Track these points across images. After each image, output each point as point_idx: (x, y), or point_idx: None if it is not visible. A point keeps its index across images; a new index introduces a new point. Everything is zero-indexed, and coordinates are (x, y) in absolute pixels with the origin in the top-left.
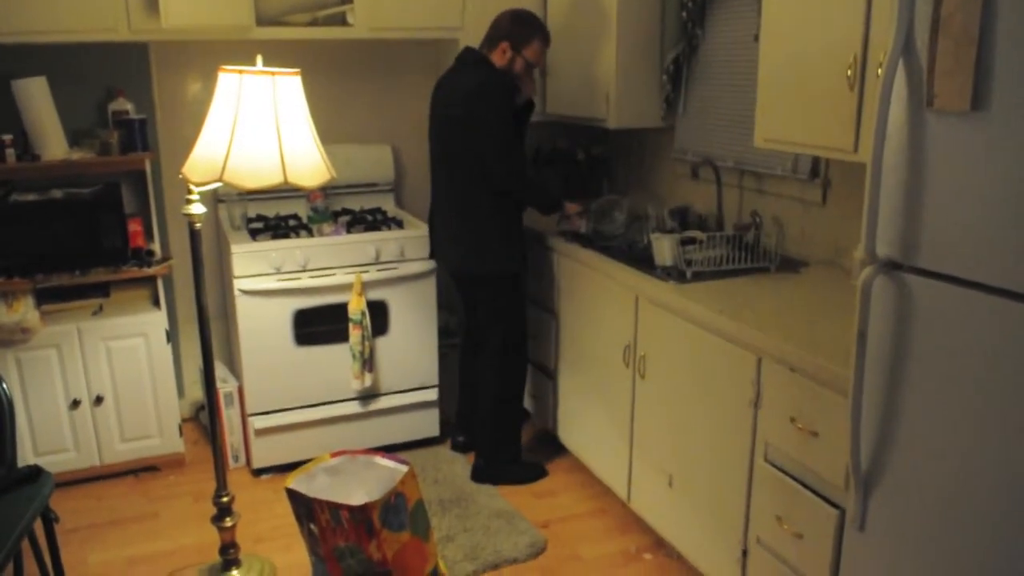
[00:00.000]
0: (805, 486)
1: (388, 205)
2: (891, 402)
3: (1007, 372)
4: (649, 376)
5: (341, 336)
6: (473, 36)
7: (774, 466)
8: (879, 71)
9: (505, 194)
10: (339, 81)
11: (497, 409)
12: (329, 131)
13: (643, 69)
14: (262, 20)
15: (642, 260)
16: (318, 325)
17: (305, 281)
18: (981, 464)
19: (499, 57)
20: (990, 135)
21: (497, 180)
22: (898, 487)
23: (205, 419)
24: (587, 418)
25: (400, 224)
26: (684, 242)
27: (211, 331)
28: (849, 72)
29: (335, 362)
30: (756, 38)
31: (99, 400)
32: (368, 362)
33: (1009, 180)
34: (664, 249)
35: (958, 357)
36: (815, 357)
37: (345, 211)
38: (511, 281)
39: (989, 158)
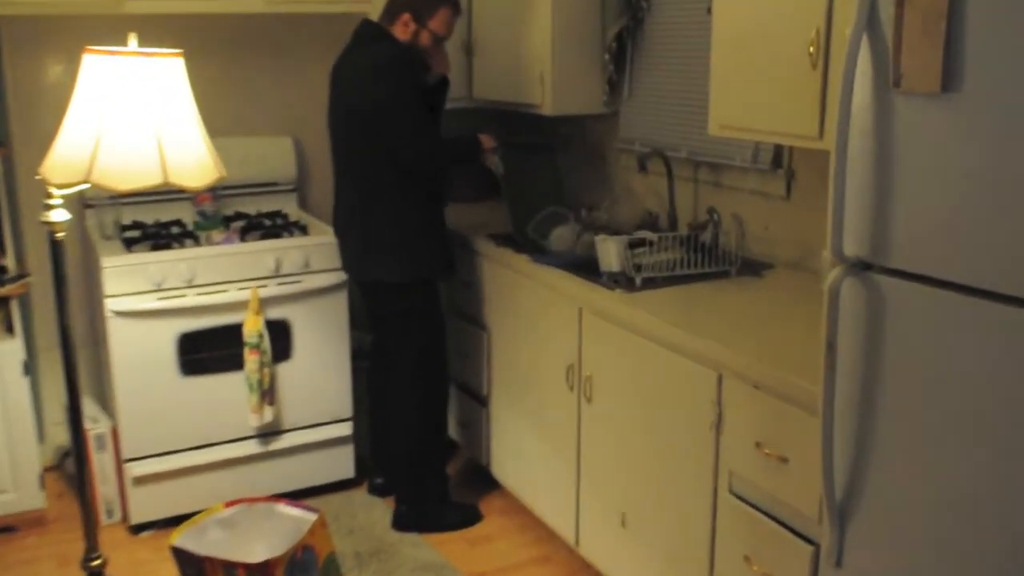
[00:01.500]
0: (775, 520)
1: (290, 208)
2: (866, 420)
3: (992, 381)
4: (596, 400)
5: (235, 363)
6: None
7: (740, 498)
8: (845, 48)
9: (420, 184)
10: (230, 64)
11: (415, 441)
12: (219, 122)
13: (582, 47)
14: None
15: (585, 266)
16: (208, 351)
17: (191, 299)
18: (969, 485)
19: (401, 30)
20: (963, 119)
21: (408, 165)
22: (877, 516)
23: (72, 467)
24: (526, 450)
25: (304, 230)
26: (633, 244)
27: (78, 361)
28: (811, 49)
29: (229, 394)
30: (709, 11)
31: None
32: (268, 393)
33: (985, 169)
34: (610, 253)
35: (937, 366)
36: (781, 372)
37: (239, 215)
38: (426, 289)
39: (963, 144)
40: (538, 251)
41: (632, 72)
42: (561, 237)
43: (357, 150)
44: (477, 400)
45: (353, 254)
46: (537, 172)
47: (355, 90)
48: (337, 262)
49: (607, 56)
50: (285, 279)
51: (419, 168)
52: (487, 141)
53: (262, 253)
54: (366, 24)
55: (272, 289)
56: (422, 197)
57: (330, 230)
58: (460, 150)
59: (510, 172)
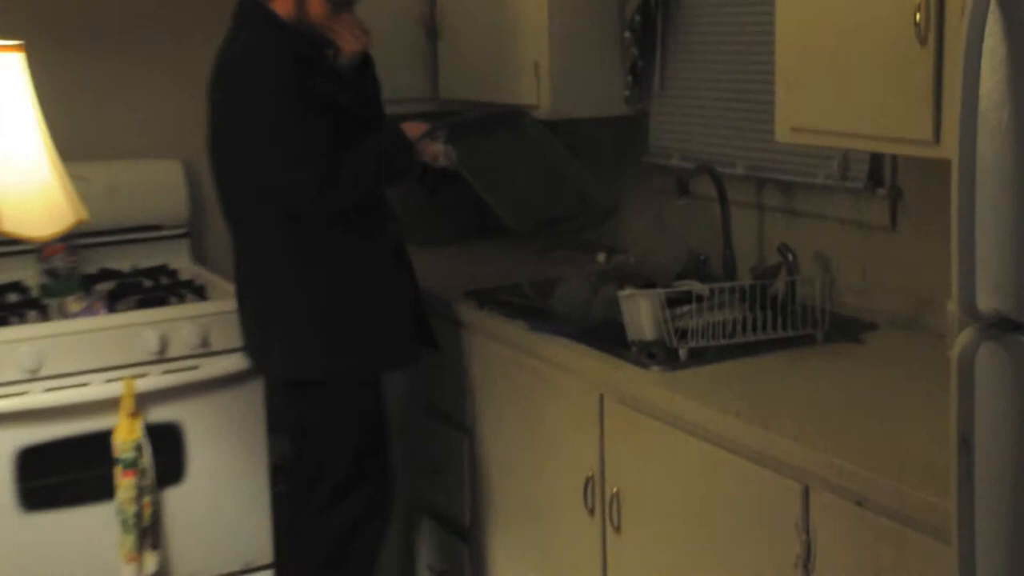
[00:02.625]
0: None
1: (180, 261)
2: (1021, 546)
3: None
4: (627, 527)
5: (102, 490)
6: None
7: None
8: (963, 15)
9: (339, 232)
10: (91, 59)
11: None
12: (76, 141)
13: (593, 24)
14: None
15: (606, 334)
16: (61, 473)
17: (36, 398)
18: None
19: (282, 5)
20: None
21: (290, 209)
22: None
23: None
24: None
25: (200, 292)
26: (673, 301)
27: None
28: (918, 17)
29: (92, 535)
30: None
31: None
32: (150, 533)
33: None
34: (641, 314)
35: None
36: (894, 481)
37: (105, 274)
38: (361, 389)
39: None
40: (537, 314)
41: (664, 57)
42: (570, 293)
43: (231, 190)
44: (456, 533)
45: (247, 336)
46: (511, 154)
47: (211, 102)
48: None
49: (628, 35)
50: (174, 365)
51: (310, 211)
52: (413, 128)
53: (140, 328)
54: (242, 1)
55: (155, 380)
56: (347, 249)
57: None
58: (378, 166)
59: (468, 157)
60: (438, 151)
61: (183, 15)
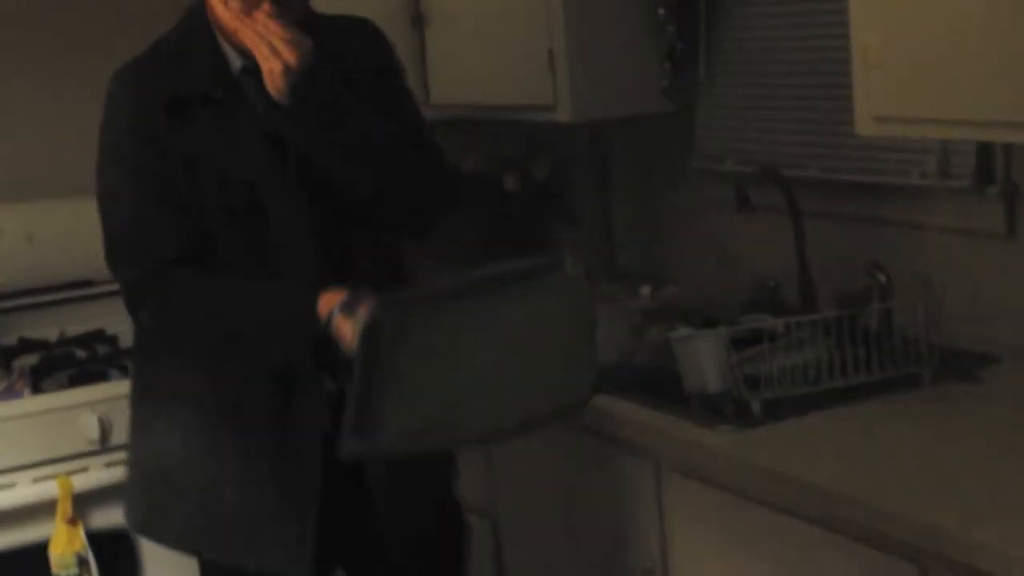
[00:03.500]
0: None
1: (119, 322)
2: None
3: None
4: None
5: None
6: None
7: None
8: None
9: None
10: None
11: None
12: None
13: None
14: None
15: (657, 386)
16: None
17: None
18: None
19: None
20: None
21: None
22: None
23: None
24: None
25: None
26: (740, 342)
27: None
28: None
29: None
30: None
31: None
32: None
33: None
34: (701, 359)
35: None
36: None
37: (28, 345)
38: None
39: None
40: None
41: (710, 37)
42: (609, 339)
43: None
44: None
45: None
46: (491, 336)
47: None
48: None
49: (663, 12)
50: (120, 455)
51: (132, 318)
52: (328, 303)
53: (74, 412)
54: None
55: (97, 476)
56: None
57: None
58: (249, 324)
59: (413, 334)
60: (351, 336)
61: (102, 25)
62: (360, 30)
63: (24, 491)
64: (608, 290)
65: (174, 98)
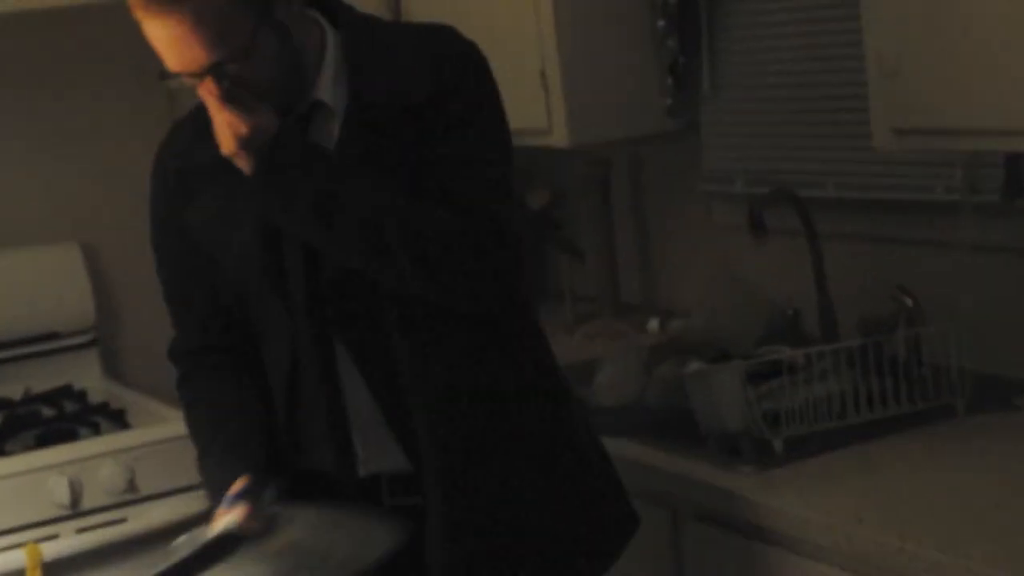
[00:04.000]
0: None
1: (88, 377)
2: None
3: None
4: None
5: None
6: None
7: None
8: None
9: None
10: None
11: None
12: None
13: (614, 11)
14: None
15: (670, 427)
16: None
17: None
18: None
19: None
20: None
21: None
22: None
23: None
24: None
25: (120, 418)
26: (757, 375)
27: None
28: None
29: None
30: None
31: None
32: None
33: None
34: (716, 396)
35: None
36: None
37: None
38: None
39: None
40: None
41: (714, 49)
42: (616, 377)
43: None
44: None
45: None
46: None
47: None
48: (187, 477)
49: (663, 24)
50: (92, 520)
51: None
52: (222, 517)
53: (42, 474)
54: None
55: (68, 543)
56: None
57: (168, 411)
58: None
59: None
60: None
61: (58, 69)
62: (421, 49)
63: None
64: (613, 325)
65: (182, 171)
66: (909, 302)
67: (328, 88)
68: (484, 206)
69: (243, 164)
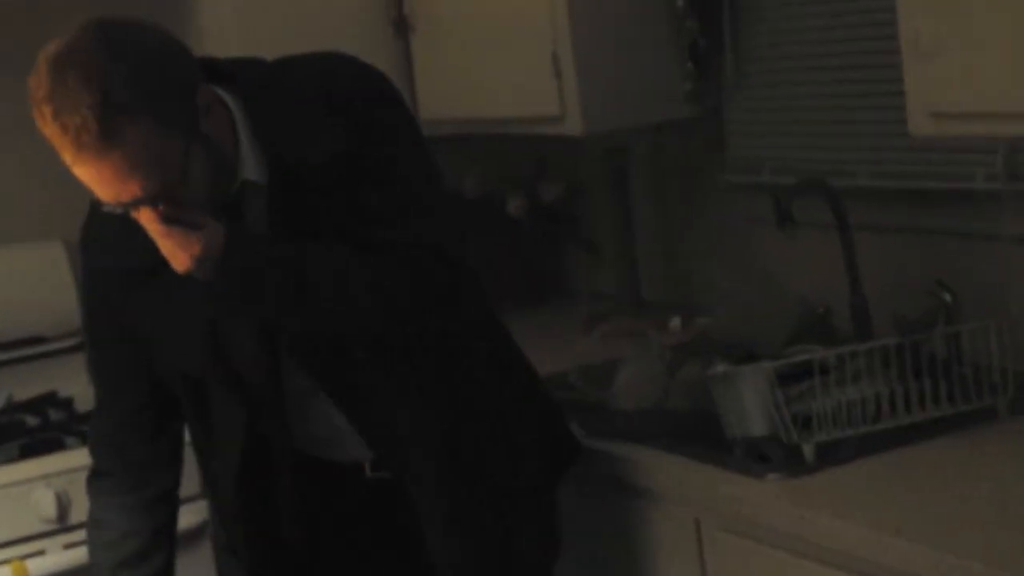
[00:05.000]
0: None
1: (74, 384)
2: None
3: None
4: None
5: None
6: None
7: None
8: None
9: None
10: None
11: None
12: None
13: None
14: None
15: (693, 432)
16: None
17: None
18: None
19: None
20: None
21: None
22: None
23: None
24: None
25: None
26: (786, 376)
27: None
28: None
29: None
30: None
31: None
32: None
33: None
34: (743, 400)
35: None
36: None
37: None
38: None
39: None
40: (593, 413)
41: (737, 30)
42: (637, 379)
43: None
44: None
45: None
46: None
47: None
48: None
49: (682, 4)
50: (80, 535)
51: None
52: None
53: (27, 487)
54: None
55: (55, 559)
56: None
57: None
58: None
59: None
60: None
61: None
62: (324, 97)
63: None
64: (633, 324)
65: (117, 271)
66: (948, 298)
67: (251, 165)
68: (431, 239)
69: (202, 275)
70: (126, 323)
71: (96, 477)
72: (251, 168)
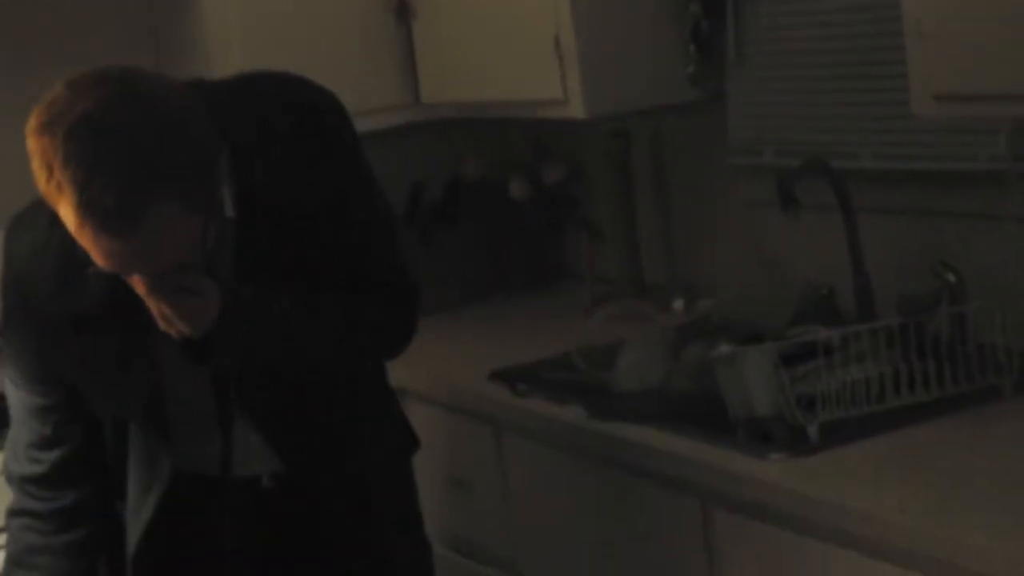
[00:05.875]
0: None
1: None
2: None
3: None
4: None
5: None
6: None
7: None
8: None
9: None
10: None
11: None
12: None
13: None
14: None
15: (698, 414)
16: None
17: None
18: None
19: None
20: None
21: None
22: None
23: None
24: None
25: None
26: (790, 357)
27: None
28: None
29: None
30: None
31: None
32: None
33: None
34: (747, 381)
35: None
36: None
37: None
38: None
39: None
40: (596, 394)
41: (739, 15)
42: (640, 360)
43: None
44: None
45: None
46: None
47: None
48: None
49: None
50: None
51: None
52: None
53: None
54: None
55: None
56: None
57: None
58: None
59: None
60: None
61: (54, 43)
62: (284, 130)
63: None
64: (636, 307)
65: (55, 318)
66: (951, 278)
67: (228, 203)
68: (394, 273)
69: (194, 335)
70: (52, 368)
71: (17, 515)
72: (228, 207)
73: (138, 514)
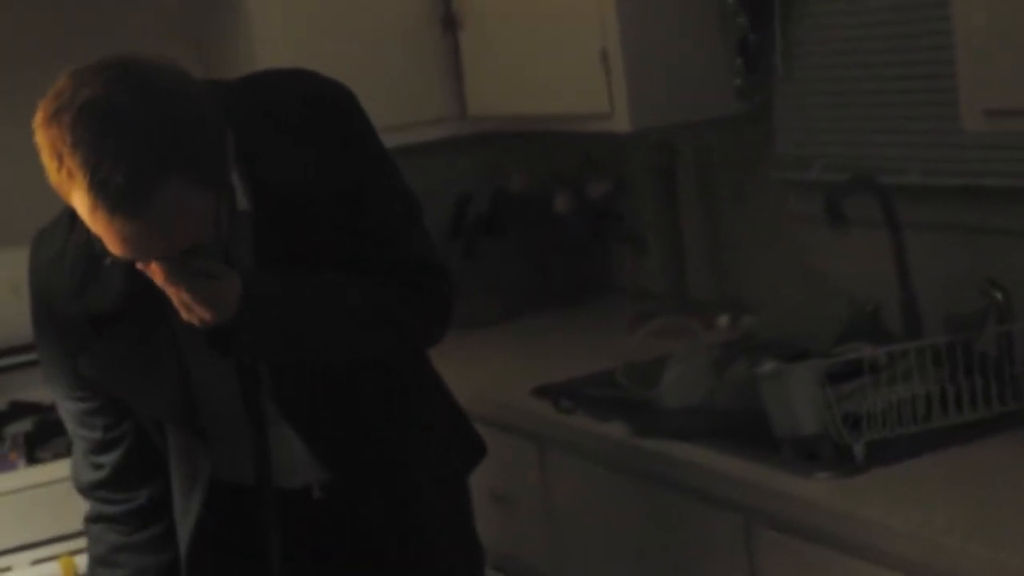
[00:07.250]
0: None
1: None
2: None
3: None
4: None
5: None
6: None
7: None
8: None
9: None
10: None
11: None
12: None
13: None
14: None
15: (742, 431)
16: None
17: None
18: None
19: None
20: None
21: None
22: None
23: None
24: None
25: None
26: (836, 375)
27: None
28: None
29: None
30: None
31: None
32: None
33: None
34: (792, 398)
35: None
36: None
37: (19, 409)
38: None
39: None
40: (640, 411)
41: (787, 29)
42: (684, 378)
43: None
44: None
45: None
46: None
47: None
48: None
49: (731, 0)
50: None
51: None
52: None
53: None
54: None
55: None
56: None
57: None
58: None
59: None
60: None
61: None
62: (296, 121)
63: (22, 575)
64: (680, 322)
65: (80, 318)
66: (999, 296)
67: (239, 194)
68: (419, 250)
69: (216, 324)
70: (82, 372)
71: (94, 522)
72: (240, 198)
73: (185, 516)
